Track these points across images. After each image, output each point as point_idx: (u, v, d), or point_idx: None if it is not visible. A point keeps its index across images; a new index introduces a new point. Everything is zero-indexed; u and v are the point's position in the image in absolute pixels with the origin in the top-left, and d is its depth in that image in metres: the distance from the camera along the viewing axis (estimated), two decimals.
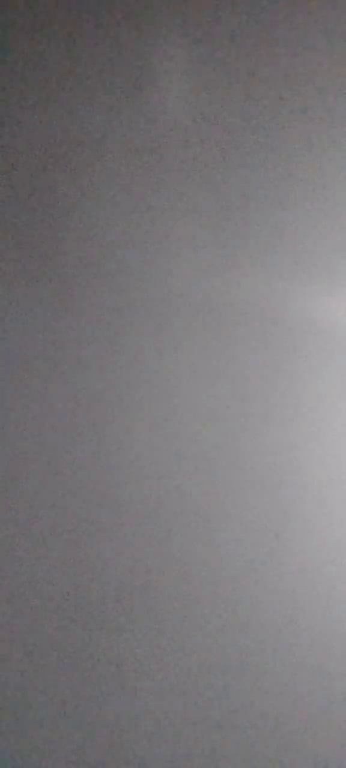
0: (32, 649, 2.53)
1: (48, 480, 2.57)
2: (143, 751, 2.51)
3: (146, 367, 2.59)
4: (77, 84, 2.63)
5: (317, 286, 2.58)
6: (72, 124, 2.62)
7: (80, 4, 2.63)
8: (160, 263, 2.60)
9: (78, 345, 2.60)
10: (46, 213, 2.62)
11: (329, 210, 2.59)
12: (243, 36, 2.61)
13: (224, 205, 2.60)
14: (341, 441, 2.56)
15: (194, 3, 2.61)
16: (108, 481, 2.56)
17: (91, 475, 2.56)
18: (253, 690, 2.52)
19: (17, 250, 2.61)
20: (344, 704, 2.51)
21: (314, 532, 2.54)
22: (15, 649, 2.53)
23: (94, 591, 2.54)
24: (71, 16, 2.63)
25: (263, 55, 2.60)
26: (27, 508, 2.56)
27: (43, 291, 2.60)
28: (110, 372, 2.59)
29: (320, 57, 2.60)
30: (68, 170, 2.62)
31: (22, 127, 2.63)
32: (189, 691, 2.52)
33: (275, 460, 2.56)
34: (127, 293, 2.60)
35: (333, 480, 2.55)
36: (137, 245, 2.61)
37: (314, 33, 2.60)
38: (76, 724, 2.52)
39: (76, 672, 2.53)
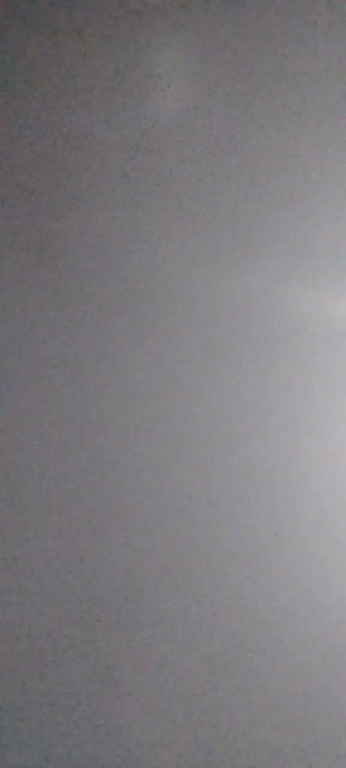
0: (32, 650, 2.54)
1: (48, 480, 2.57)
2: (143, 751, 2.52)
3: (145, 368, 2.59)
4: (77, 84, 2.63)
5: (316, 287, 2.58)
6: (72, 124, 2.62)
7: (80, 4, 2.63)
8: (159, 263, 2.60)
9: (77, 345, 2.60)
10: (45, 212, 2.62)
11: (329, 210, 2.59)
12: (243, 35, 2.61)
13: (224, 205, 2.60)
14: (341, 440, 2.56)
15: (193, 3, 2.61)
16: (108, 481, 2.56)
17: (91, 475, 2.57)
18: (253, 689, 2.52)
19: (16, 249, 2.61)
20: (344, 702, 2.52)
21: (315, 532, 2.55)
22: (15, 650, 2.54)
23: (95, 591, 2.54)
24: (71, 16, 2.63)
25: (263, 54, 2.60)
26: (27, 508, 2.56)
27: (42, 290, 2.60)
28: (109, 371, 2.59)
29: (320, 56, 2.60)
30: (68, 170, 2.62)
31: (22, 127, 2.63)
32: (189, 691, 2.53)
33: (275, 460, 2.56)
34: (126, 293, 2.60)
35: (333, 479, 2.56)
36: (136, 246, 2.61)
37: (314, 33, 2.60)
38: (76, 724, 2.52)
39: (76, 672, 2.53)
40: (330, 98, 2.60)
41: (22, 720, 2.53)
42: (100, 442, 2.58)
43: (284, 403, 2.58)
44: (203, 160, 2.61)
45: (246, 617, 2.53)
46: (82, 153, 2.62)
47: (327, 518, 2.55)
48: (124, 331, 2.60)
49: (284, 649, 2.53)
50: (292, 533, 2.55)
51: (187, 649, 2.53)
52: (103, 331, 2.60)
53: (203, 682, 2.53)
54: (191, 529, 2.55)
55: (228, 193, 2.60)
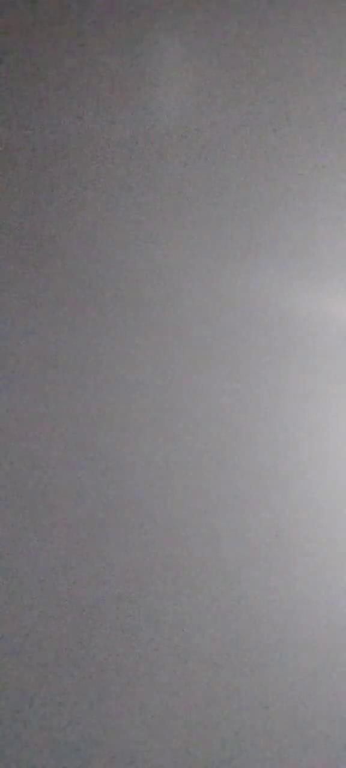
0: (32, 650, 2.54)
1: (48, 480, 2.57)
2: (143, 751, 2.52)
3: (146, 367, 2.59)
4: (77, 83, 2.63)
5: (317, 287, 2.59)
6: (72, 124, 2.62)
7: (80, 4, 2.64)
8: (159, 264, 2.60)
9: (76, 344, 2.60)
10: (45, 212, 2.62)
11: (329, 210, 2.59)
12: (243, 36, 2.61)
13: (225, 205, 2.61)
14: (341, 440, 2.56)
15: (194, 3, 2.62)
16: (108, 481, 2.56)
17: (91, 476, 2.57)
18: (253, 689, 2.52)
19: (16, 249, 2.61)
20: (343, 702, 2.52)
21: (314, 531, 2.55)
22: (15, 650, 2.54)
23: (95, 591, 2.54)
24: (71, 16, 2.64)
25: (263, 55, 2.61)
26: (27, 509, 2.56)
27: (42, 290, 2.60)
28: (110, 371, 2.59)
29: (320, 58, 2.60)
30: (68, 170, 2.62)
31: (22, 127, 2.63)
32: (189, 691, 2.53)
33: (275, 460, 2.56)
34: (126, 293, 2.60)
35: (333, 479, 2.56)
36: (137, 245, 2.61)
37: (314, 33, 2.60)
38: (76, 724, 2.52)
39: (77, 672, 2.53)
40: (330, 99, 2.60)
41: (22, 722, 2.52)
42: (99, 444, 2.58)
43: (284, 404, 2.58)
44: (204, 161, 2.61)
45: (246, 617, 2.53)
46: (82, 153, 2.62)
47: (327, 518, 2.55)
48: (125, 331, 2.60)
49: (284, 649, 2.53)
50: (292, 533, 2.55)
51: (187, 650, 2.53)
52: (104, 331, 2.60)
53: (202, 684, 2.53)
54: (191, 530, 2.55)
55: (228, 194, 2.61)
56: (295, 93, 2.60)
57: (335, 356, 2.58)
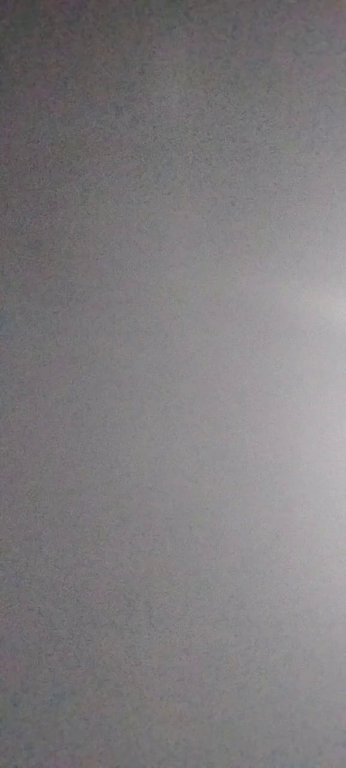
0: (33, 650, 2.54)
1: (48, 480, 2.57)
2: (143, 751, 2.51)
3: (146, 366, 2.59)
4: (77, 83, 2.63)
5: (317, 286, 2.59)
6: (72, 123, 2.62)
7: (80, 4, 2.64)
8: (159, 262, 2.60)
9: (77, 343, 2.60)
10: (46, 211, 2.62)
11: (329, 209, 2.59)
12: (243, 35, 2.61)
13: (224, 204, 2.61)
14: (341, 440, 2.56)
15: (194, 3, 2.62)
16: (108, 480, 2.56)
17: (92, 474, 2.57)
18: (253, 689, 2.52)
19: (16, 249, 2.61)
20: (344, 703, 2.52)
21: (315, 532, 2.55)
22: (15, 650, 2.54)
23: (95, 591, 2.54)
24: (71, 16, 2.64)
25: (263, 54, 2.61)
26: (28, 507, 2.56)
27: (42, 289, 2.60)
28: (110, 370, 2.59)
29: (320, 56, 2.60)
30: (68, 169, 2.62)
31: (22, 126, 2.63)
32: (189, 691, 2.53)
33: (275, 460, 2.56)
34: (126, 291, 2.60)
35: (333, 479, 2.56)
36: (137, 244, 2.61)
37: (314, 31, 2.61)
38: (76, 725, 2.52)
39: (76, 672, 2.53)
40: (330, 99, 2.61)
41: (22, 723, 2.52)
42: (99, 444, 2.58)
43: (284, 404, 2.58)
44: (204, 161, 2.61)
45: (247, 618, 2.53)
46: (82, 153, 2.62)
47: (327, 520, 2.55)
48: (124, 330, 2.60)
49: (285, 651, 2.53)
50: (292, 535, 2.55)
51: (187, 651, 2.53)
52: (104, 330, 2.60)
53: (203, 685, 2.53)
54: (191, 531, 2.55)
55: (228, 194, 2.61)
56: (296, 93, 2.60)
57: (335, 356, 2.58)
